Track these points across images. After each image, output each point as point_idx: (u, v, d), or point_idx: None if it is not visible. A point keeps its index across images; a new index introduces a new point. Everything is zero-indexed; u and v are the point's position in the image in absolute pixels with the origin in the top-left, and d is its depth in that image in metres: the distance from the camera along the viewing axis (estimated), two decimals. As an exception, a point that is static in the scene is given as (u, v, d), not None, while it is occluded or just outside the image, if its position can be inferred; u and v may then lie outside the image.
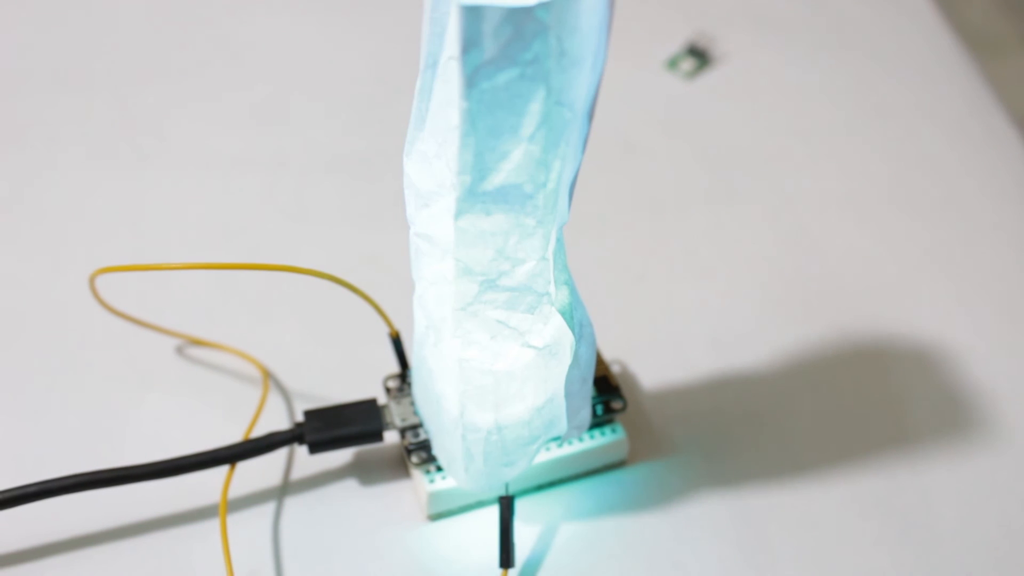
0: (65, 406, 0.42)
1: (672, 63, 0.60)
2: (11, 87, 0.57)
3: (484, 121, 0.26)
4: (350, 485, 0.40)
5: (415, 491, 0.39)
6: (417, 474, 0.38)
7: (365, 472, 0.40)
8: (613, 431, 0.40)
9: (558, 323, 0.32)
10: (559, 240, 0.30)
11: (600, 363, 0.40)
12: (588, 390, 0.36)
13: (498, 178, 0.27)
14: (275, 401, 0.42)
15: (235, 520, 0.38)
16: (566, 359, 0.33)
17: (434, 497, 0.38)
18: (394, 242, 0.46)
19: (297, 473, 0.40)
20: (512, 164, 0.27)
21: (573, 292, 0.33)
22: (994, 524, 0.39)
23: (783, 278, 0.48)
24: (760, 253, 0.50)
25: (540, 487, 0.40)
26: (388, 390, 0.40)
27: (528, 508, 0.39)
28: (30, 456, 0.40)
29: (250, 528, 0.38)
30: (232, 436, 0.40)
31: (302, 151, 0.54)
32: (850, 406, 0.43)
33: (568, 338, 0.32)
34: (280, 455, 0.40)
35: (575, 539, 0.38)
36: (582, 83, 0.26)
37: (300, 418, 0.39)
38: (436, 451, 0.37)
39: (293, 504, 0.39)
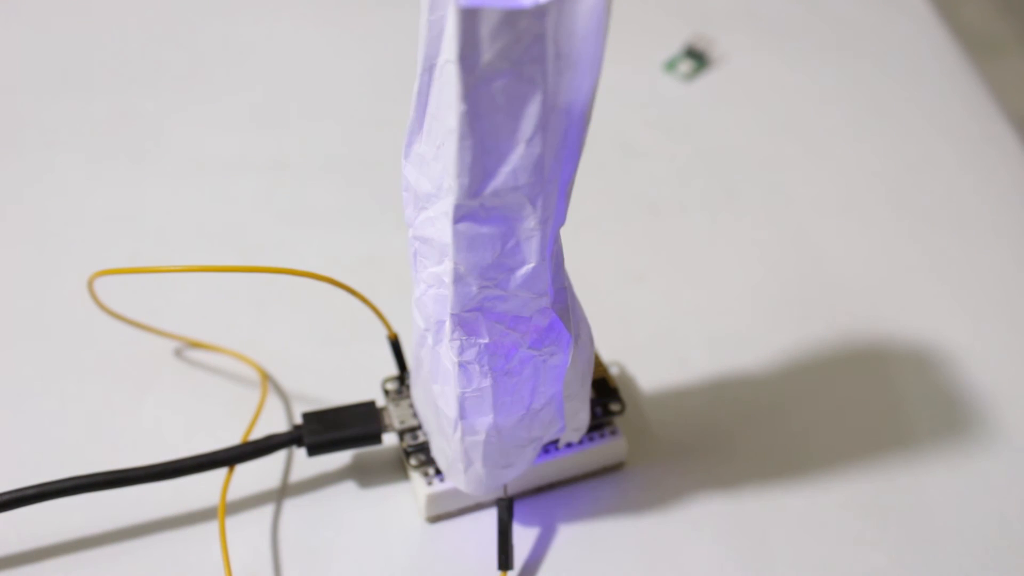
0: (63, 408, 0.42)
1: (670, 65, 0.60)
2: (10, 89, 0.57)
3: (482, 124, 0.26)
4: (349, 487, 0.40)
5: (414, 493, 0.39)
6: (416, 476, 0.38)
7: (364, 474, 0.40)
8: (612, 433, 0.40)
9: (556, 325, 0.32)
10: (557, 242, 0.31)
11: (598, 365, 0.40)
12: (586, 392, 0.36)
13: (496, 181, 0.27)
14: (273, 403, 0.42)
15: (234, 522, 0.38)
16: (564, 361, 0.33)
17: (432, 499, 0.38)
18: (392, 244, 0.46)
19: (296, 475, 0.40)
20: (510, 166, 0.27)
21: (571, 294, 0.33)
22: (992, 526, 0.39)
23: (781, 280, 0.48)
24: (758, 254, 0.50)
25: (539, 489, 0.40)
26: (387, 392, 0.40)
27: (527, 510, 0.39)
28: (28, 458, 0.40)
29: (249, 530, 0.38)
30: (231, 438, 0.40)
31: (300, 153, 0.54)
32: (848, 408, 0.43)
33: (566, 340, 0.32)
34: (279, 457, 0.40)
35: (574, 541, 0.38)
36: (580, 85, 0.26)
37: (299, 420, 0.39)
38: (435, 453, 0.37)
39: (292, 506, 0.39)
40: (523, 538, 0.38)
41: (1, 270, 0.47)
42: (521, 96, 0.26)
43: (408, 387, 0.40)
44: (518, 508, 0.39)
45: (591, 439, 0.39)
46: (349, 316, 0.43)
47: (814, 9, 0.65)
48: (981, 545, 0.38)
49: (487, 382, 0.32)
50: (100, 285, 0.42)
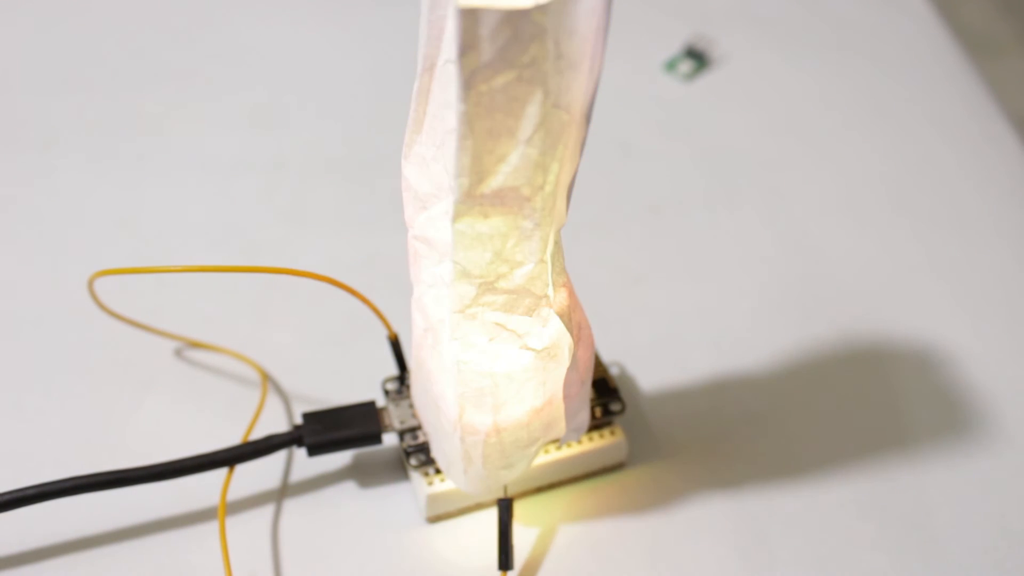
0: (64, 408, 0.42)
1: (670, 65, 0.60)
2: (10, 89, 0.57)
3: (482, 124, 0.26)
4: (349, 487, 0.40)
5: (414, 493, 0.39)
6: (416, 476, 0.38)
7: (364, 474, 0.40)
8: (612, 433, 0.40)
9: (556, 325, 0.32)
10: (557, 242, 0.31)
11: (599, 365, 0.40)
12: (587, 392, 0.36)
13: (496, 181, 0.27)
14: (274, 403, 0.42)
15: (234, 523, 0.38)
16: (564, 361, 0.33)
17: (433, 499, 0.38)
18: (392, 245, 0.46)
19: (296, 475, 0.40)
20: (510, 167, 0.27)
21: (571, 294, 0.33)
22: (992, 525, 0.39)
23: (781, 280, 0.48)
24: (758, 255, 0.50)
25: (539, 489, 0.40)
26: (387, 392, 0.40)
27: (527, 510, 0.39)
28: (29, 458, 0.40)
29: (249, 530, 0.38)
30: (231, 438, 0.40)
31: (300, 154, 0.54)
32: (849, 408, 0.43)
33: (566, 340, 0.32)
34: (279, 457, 0.40)
35: (574, 541, 0.38)
36: (580, 85, 0.26)
37: (299, 420, 0.39)
38: (435, 453, 0.37)
39: (292, 506, 0.39)
40: (523, 538, 0.38)
41: (1, 270, 0.47)
42: (521, 96, 0.26)
43: (408, 387, 0.40)
44: (518, 508, 0.39)
45: (591, 439, 0.39)
46: (349, 316, 0.43)
47: (814, 9, 0.65)
48: (981, 545, 0.38)
49: (487, 382, 0.32)
50: (100, 285, 0.42)
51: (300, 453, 0.40)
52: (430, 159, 0.29)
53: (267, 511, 0.39)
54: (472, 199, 0.28)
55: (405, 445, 0.38)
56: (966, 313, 0.47)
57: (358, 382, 0.42)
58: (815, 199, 0.53)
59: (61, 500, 0.37)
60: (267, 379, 0.43)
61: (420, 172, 0.30)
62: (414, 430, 0.38)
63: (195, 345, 0.44)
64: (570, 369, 0.33)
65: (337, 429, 0.38)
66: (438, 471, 0.38)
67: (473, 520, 0.39)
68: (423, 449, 0.38)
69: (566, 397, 0.35)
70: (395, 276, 0.43)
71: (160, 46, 0.60)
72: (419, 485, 0.38)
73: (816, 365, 0.45)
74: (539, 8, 0.24)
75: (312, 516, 0.39)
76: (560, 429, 0.36)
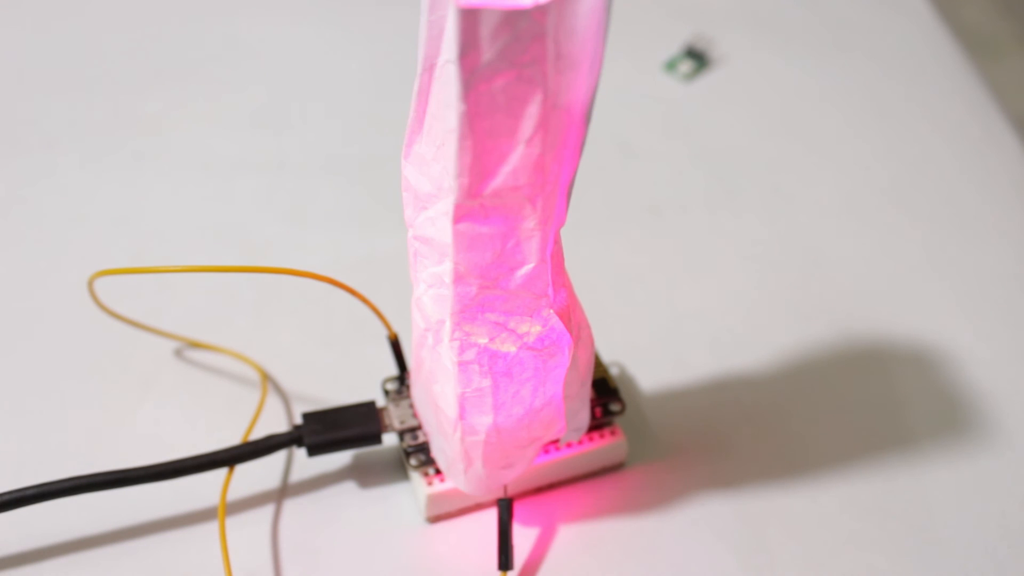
0: (64, 409, 0.42)
1: (670, 65, 0.60)
2: (10, 89, 0.57)
3: (482, 124, 0.26)
4: (349, 487, 0.40)
5: (414, 493, 0.39)
6: (416, 476, 0.38)
7: (364, 474, 0.40)
8: (612, 433, 0.40)
9: (556, 325, 0.32)
10: (557, 242, 0.31)
11: (599, 365, 0.40)
12: (586, 392, 0.36)
13: (496, 180, 0.27)
14: (274, 403, 0.42)
15: (234, 523, 0.38)
16: (564, 361, 0.33)
17: (433, 499, 0.38)
18: (392, 244, 0.46)
19: (296, 475, 0.40)
20: (510, 167, 0.27)
21: (571, 294, 0.33)
22: (993, 526, 0.39)
23: (781, 280, 0.48)
24: (758, 255, 0.50)
25: (539, 489, 0.40)
26: (387, 392, 0.40)
27: (527, 510, 0.39)
28: (29, 458, 0.40)
29: (249, 530, 0.38)
30: (231, 438, 0.40)
31: (300, 153, 0.54)
32: (849, 408, 0.43)
33: (566, 340, 0.32)
34: (279, 457, 0.40)
35: (574, 541, 0.38)
36: (580, 85, 0.26)
37: (299, 420, 0.39)
38: (435, 453, 0.37)
39: (292, 506, 0.39)
40: (523, 538, 0.38)
41: (1, 270, 0.47)
42: (521, 96, 0.26)
43: (408, 387, 0.40)
44: (518, 508, 0.39)
45: (591, 439, 0.39)
46: (349, 316, 0.43)
47: (814, 9, 0.65)
48: (981, 545, 0.38)
49: (487, 382, 0.32)
50: (100, 285, 0.42)
51: (300, 453, 0.40)
52: (430, 159, 0.29)
53: (267, 511, 0.39)
54: (472, 199, 0.28)
55: (405, 445, 0.38)
56: (966, 313, 0.47)
57: (358, 382, 0.42)
58: (815, 199, 0.53)
59: (61, 500, 0.37)
60: (267, 379, 0.43)
61: (420, 172, 0.30)
62: (414, 430, 0.38)
63: (195, 345, 0.44)
64: (570, 369, 0.33)
65: (337, 429, 0.38)
66: (438, 471, 0.38)
67: (473, 520, 0.39)
68: (423, 449, 0.38)
69: (566, 397, 0.35)
70: (395, 276, 0.43)
71: (160, 46, 0.60)
72: (419, 485, 0.38)
73: (816, 365, 0.45)
74: (539, 8, 0.24)
75: (312, 516, 0.39)
76: (560, 429, 0.36)
